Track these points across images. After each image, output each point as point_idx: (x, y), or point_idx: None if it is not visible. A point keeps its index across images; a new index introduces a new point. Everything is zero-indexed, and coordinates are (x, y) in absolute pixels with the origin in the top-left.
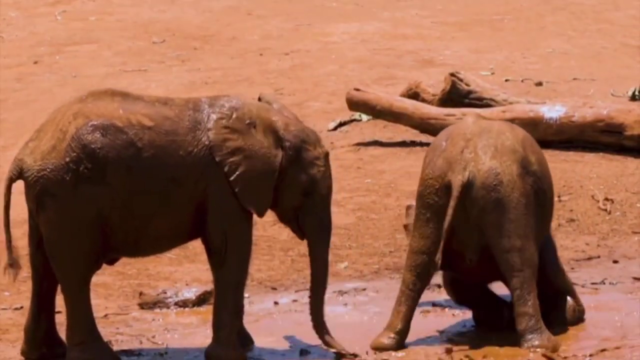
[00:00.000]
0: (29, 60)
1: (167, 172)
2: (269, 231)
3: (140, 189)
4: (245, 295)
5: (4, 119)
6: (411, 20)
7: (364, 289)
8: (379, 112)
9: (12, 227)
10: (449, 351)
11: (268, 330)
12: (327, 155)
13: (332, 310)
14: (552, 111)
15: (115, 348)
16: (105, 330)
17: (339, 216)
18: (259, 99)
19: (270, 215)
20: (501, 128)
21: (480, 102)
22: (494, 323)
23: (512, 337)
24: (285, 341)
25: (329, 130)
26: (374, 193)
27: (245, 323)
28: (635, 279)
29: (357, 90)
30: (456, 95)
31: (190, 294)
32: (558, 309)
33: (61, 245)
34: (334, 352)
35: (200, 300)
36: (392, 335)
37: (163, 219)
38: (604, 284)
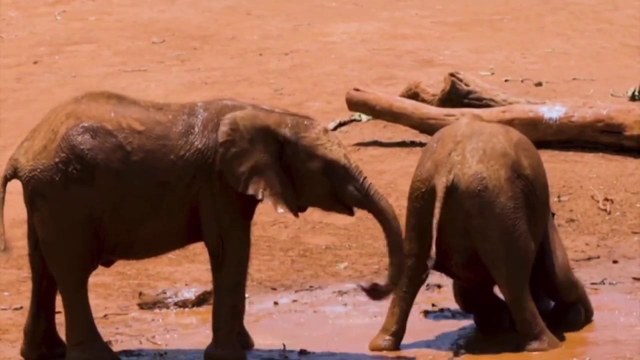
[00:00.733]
0: (28, 60)
1: (157, 176)
2: (268, 231)
3: (130, 192)
4: (245, 295)
5: (4, 118)
6: (411, 20)
7: None
8: (378, 112)
9: (12, 227)
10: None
11: (268, 330)
12: (325, 130)
13: (332, 310)
14: (552, 111)
15: (114, 348)
16: (105, 330)
17: (339, 216)
18: None
19: (270, 215)
20: (494, 131)
21: (480, 102)
22: (495, 326)
23: (512, 338)
24: (285, 341)
25: None
26: None
27: (245, 323)
28: (635, 279)
29: (357, 90)
30: (456, 96)
31: (190, 294)
32: (565, 310)
33: (55, 246)
34: None
35: (200, 301)
36: (387, 337)
37: (155, 223)
38: (604, 284)
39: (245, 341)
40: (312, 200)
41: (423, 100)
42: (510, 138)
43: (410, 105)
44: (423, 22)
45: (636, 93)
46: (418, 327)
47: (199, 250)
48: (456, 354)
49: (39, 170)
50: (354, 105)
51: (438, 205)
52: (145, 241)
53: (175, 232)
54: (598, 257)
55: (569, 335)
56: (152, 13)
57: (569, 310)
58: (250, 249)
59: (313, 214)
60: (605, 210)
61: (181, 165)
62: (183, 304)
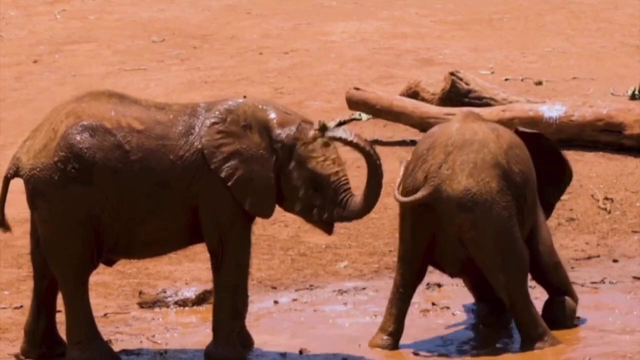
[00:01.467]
0: (28, 59)
1: (156, 176)
2: (268, 230)
3: (128, 191)
4: (247, 295)
5: (3, 117)
6: (410, 19)
7: (364, 288)
8: (378, 111)
9: (12, 225)
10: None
11: (268, 329)
12: (326, 144)
13: (331, 310)
14: (552, 110)
15: (115, 347)
16: (105, 330)
17: None
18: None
19: None
20: (485, 138)
21: (480, 101)
22: (498, 324)
23: (513, 338)
24: (285, 340)
25: None
26: None
27: (246, 322)
28: (635, 278)
29: (357, 89)
30: (456, 95)
31: (190, 293)
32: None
33: (55, 245)
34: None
35: (200, 300)
36: (386, 336)
37: (154, 223)
38: (604, 283)
39: (245, 340)
40: (294, 209)
41: (423, 99)
42: (500, 145)
43: (410, 104)
44: (423, 21)
45: (636, 92)
46: (418, 326)
47: (199, 249)
48: (456, 354)
49: (39, 169)
50: (354, 104)
51: (415, 199)
52: (145, 241)
53: (175, 233)
54: (598, 256)
55: (569, 336)
56: (151, 12)
57: (552, 305)
58: (250, 250)
59: None
60: (606, 209)
61: (181, 166)
62: (183, 303)
